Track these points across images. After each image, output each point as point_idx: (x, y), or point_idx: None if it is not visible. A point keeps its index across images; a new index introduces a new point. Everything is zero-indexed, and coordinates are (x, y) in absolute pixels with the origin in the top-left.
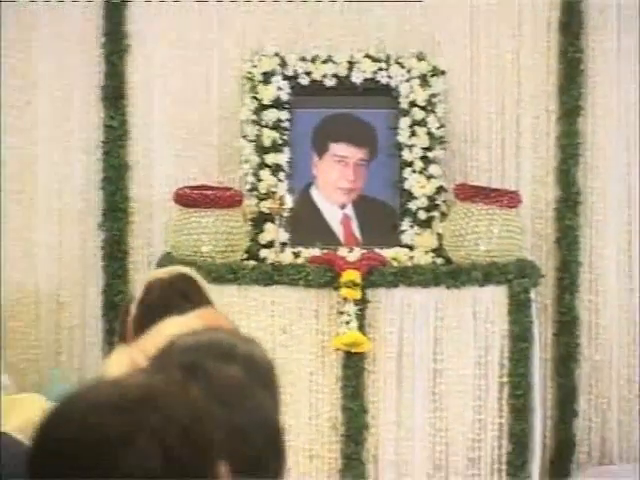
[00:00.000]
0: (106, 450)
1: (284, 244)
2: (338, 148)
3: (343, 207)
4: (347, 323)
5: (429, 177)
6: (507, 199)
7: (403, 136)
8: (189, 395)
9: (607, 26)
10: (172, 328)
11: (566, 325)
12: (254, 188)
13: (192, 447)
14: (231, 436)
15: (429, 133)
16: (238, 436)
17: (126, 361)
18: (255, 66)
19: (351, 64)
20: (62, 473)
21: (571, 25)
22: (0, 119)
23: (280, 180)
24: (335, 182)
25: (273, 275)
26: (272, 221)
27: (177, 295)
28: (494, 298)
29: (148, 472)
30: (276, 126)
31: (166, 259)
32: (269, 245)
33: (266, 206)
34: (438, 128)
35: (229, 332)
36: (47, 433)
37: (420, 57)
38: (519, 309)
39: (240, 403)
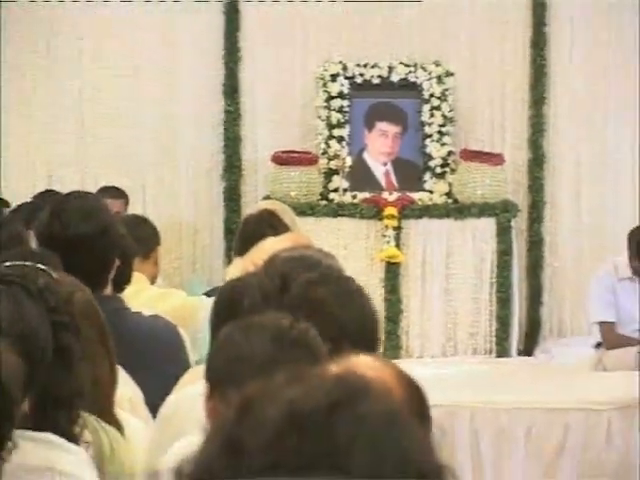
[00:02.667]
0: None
1: (345, 190)
2: (381, 125)
3: (385, 165)
4: (387, 242)
5: (443, 144)
6: (495, 159)
7: (425, 117)
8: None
9: (564, 43)
10: (271, 246)
11: (535, 243)
12: (325, 152)
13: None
14: None
15: (443, 115)
16: None
17: (240, 268)
18: (326, 70)
19: (390, 68)
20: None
21: (539, 43)
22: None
23: (342, 147)
24: (379, 148)
25: (338, 210)
26: (337, 174)
27: (266, 225)
28: (487, 226)
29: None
30: (340, 110)
31: (266, 201)
32: (335, 190)
33: (333, 164)
34: (449, 112)
35: (314, 250)
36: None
37: (437, 63)
38: (503, 233)
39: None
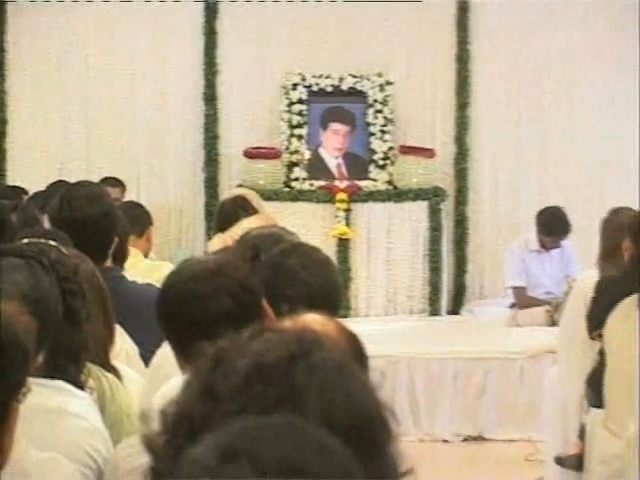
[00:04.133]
0: (199, 294)
1: (304, 179)
2: (334, 125)
3: (337, 158)
4: (339, 222)
5: (384, 141)
6: (427, 153)
7: (369, 119)
8: (243, 265)
9: (483, 58)
10: (247, 225)
11: (460, 222)
12: (287, 148)
13: (248, 293)
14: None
15: (384, 117)
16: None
17: (221, 242)
18: (288, 80)
19: (341, 79)
20: (175, 308)
21: (463, 58)
22: None
23: (302, 144)
24: (332, 144)
25: (298, 196)
26: (297, 166)
27: (238, 208)
28: (421, 208)
29: (223, 307)
30: (299, 114)
31: (239, 188)
32: (296, 179)
33: (294, 158)
34: (389, 114)
35: (280, 228)
36: (169, 285)
37: (379, 75)
38: (434, 214)
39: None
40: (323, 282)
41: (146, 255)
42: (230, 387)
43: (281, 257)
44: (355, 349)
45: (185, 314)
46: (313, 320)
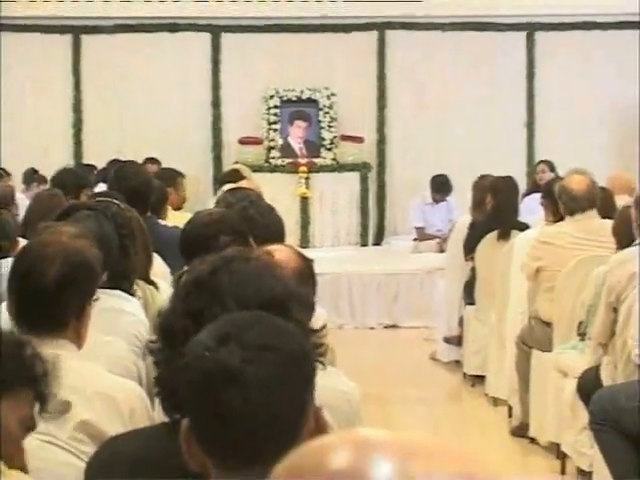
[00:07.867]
0: (206, 236)
1: (278, 157)
2: (297, 122)
3: (299, 144)
4: (301, 186)
5: (331, 132)
6: (359, 140)
7: (321, 117)
8: (236, 215)
9: (396, 76)
10: (226, 188)
11: (381, 186)
12: (267, 137)
13: (239, 234)
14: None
15: (330, 116)
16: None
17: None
18: (266, 92)
19: (301, 91)
20: (190, 245)
21: (382, 76)
22: None
23: (276, 134)
24: (296, 134)
25: (274, 169)
26: (274, 149)
27: (233, 178)
28: (354, 176)
29: (222, 244)
30: (275, 114)
31: (235, 164)
32: (272, 158)
33: (271, 144)
34: (334, 114)
35: (247, 188)
36: (187, 229)
37: (327, 88)
38: (364, 180)
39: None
40: (275, 223)
41: (179, 207)
42: (181, 292)
43: (243, 210)
44: (308, 267)
45: (197, 248)
46: (279, 248)
